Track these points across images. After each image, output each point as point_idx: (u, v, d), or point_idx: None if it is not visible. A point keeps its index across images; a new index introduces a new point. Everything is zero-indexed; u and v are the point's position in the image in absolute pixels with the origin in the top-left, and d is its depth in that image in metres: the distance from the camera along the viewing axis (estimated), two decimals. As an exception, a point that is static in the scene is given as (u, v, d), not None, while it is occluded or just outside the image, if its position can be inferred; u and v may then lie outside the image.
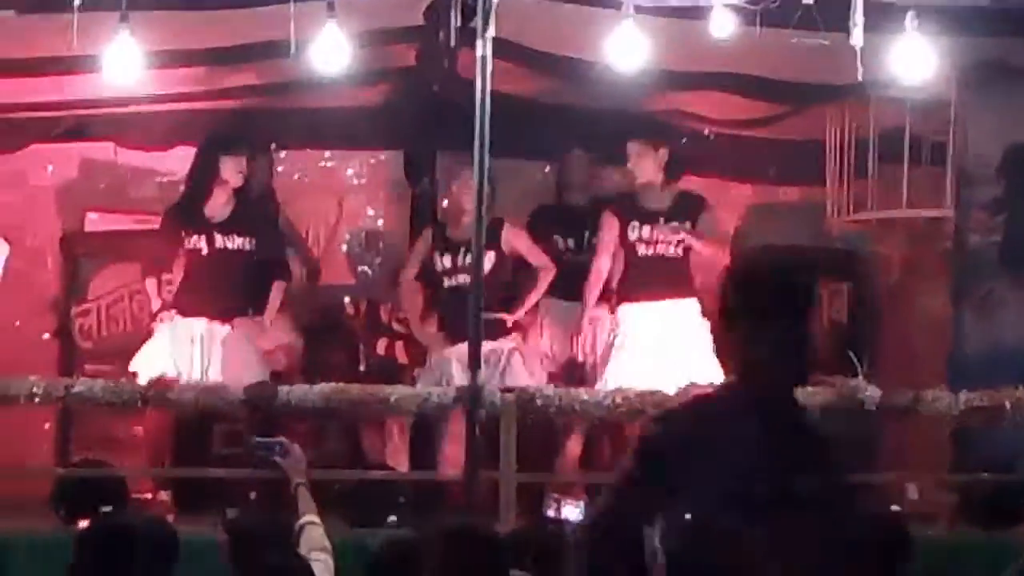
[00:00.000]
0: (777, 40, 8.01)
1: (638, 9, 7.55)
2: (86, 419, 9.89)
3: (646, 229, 9.03)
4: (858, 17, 7.30)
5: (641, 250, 9.01)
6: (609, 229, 9.14)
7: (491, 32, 7.33)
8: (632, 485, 3.83)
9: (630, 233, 9.05)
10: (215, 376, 8.72)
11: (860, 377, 8.46)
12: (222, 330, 8.94)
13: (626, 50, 7.74)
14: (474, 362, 7.62)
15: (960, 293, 9.51)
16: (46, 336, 10.46)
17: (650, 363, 8.76)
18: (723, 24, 7.58)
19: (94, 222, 10.63)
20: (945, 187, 9.48)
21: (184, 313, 8.93)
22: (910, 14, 7.56)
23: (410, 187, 10.46)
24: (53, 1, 7.24)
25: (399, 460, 8.84)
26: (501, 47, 7.72)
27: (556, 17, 8.08)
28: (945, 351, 9.50)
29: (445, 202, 9.90)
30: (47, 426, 10.19)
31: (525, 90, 9.39)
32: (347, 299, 10.67)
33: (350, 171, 11.34)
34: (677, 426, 3.90)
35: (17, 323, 10.22)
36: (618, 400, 8.25)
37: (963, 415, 8.31)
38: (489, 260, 8.60)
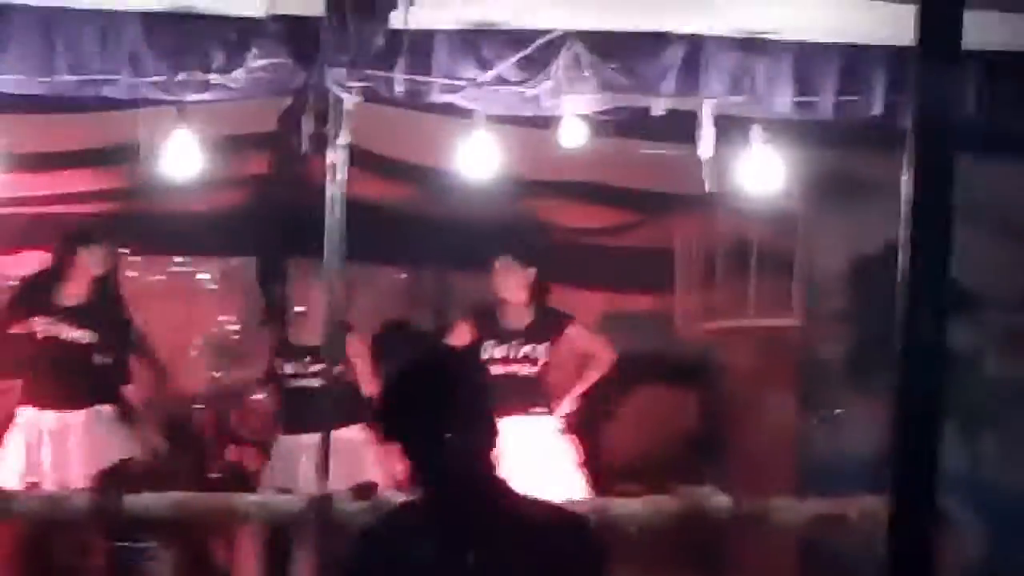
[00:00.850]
0: (629, 150, 8.12)
1: (490, 118, 7.60)
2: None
3: (500, 349, 9.06)
4: (706, 129, 7.41)
5: (494, 369, 9.01)
6: (459, 342, 9.16)
7: (344, 139, 7.35)
8: None
9: (482, 352, 9.07)
10: (75, 467, 8.62)
11: (709, 485, 8.50)
12: (74, 419, 8.86)
13: (478, 158, 7.79)
14: (322, 469, 7.57)
15: (808, 402, 9.62)
16: None
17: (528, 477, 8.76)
18: (574, 134, 7.65)
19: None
20: (792, 296, 9.62)
21: (34, 405, 8.84)
22: (756, 127, 7.69)
23: (263, 294, 10.41)
24: (-102, 104, 7.14)
25: (247, 572, 8.74)
26: (355, 154, 7.74)
27: (409, 125, 8.11)
28: (794, 459, 9.59)
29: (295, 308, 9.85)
30: None
31: (379, 197, 9.40)
32: (198, 405, 10.57)
33: (203, 276, 11.28)
34: (370, 542, 3.91)
35: None
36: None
37: (811, 523, 8.38)
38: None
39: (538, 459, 8.84)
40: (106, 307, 9.18)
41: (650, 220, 10.10)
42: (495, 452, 3.83)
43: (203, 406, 10.61)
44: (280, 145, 8.54)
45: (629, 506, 8.37)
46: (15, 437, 8.87)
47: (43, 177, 9.18)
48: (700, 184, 7.54)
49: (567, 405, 9.21)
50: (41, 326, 8.95)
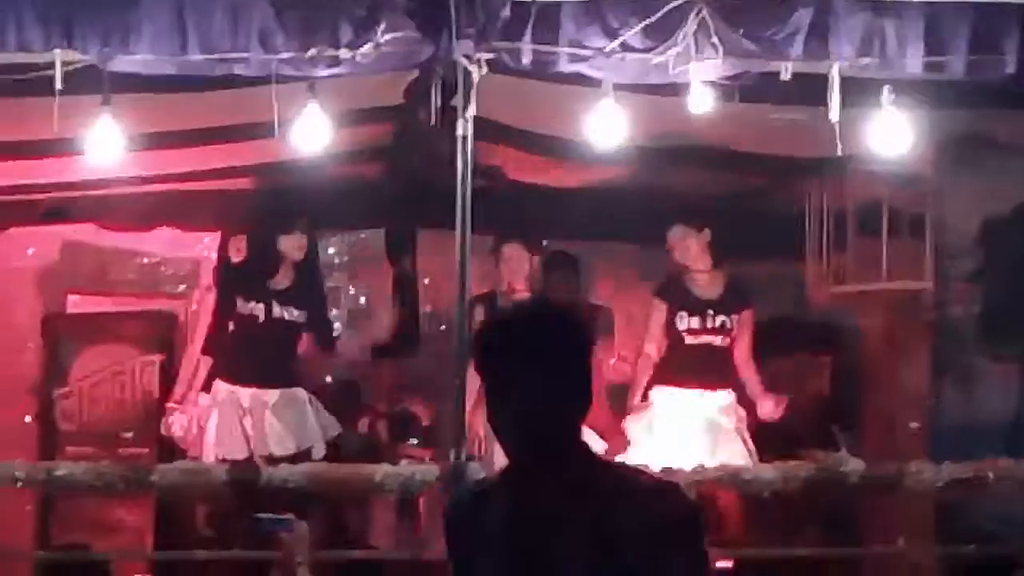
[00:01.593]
0: (756, 115, 8.07)
1: (618, 87, 7.59)
2: (68, 502, 9.86)
3: (695, 320, 9.03)
4: (835, 92, 7.35)
5: (688, 339, 9.01)
6: (657, 317, 9.15)
7: (472, 111, 7.38)
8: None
9: (678, 323, 9.06)
10: (269, 443, 8.75)
11: (842, 450, 8.46)
12: (272, 395, 9.01)
13: (606, 127, 7.78)
14: (458, 438, 7.64)
15: (941, 365, 9.54)
16: (28, 419, 10.43)
17: (674, 449, 8.77)
18: (702, 100, 7.62)
19: (76, 304, 10.63)
20: (924, 259, 9.53)
21: (232, 381, 8.97)
22: (887, 88, 7.61)
23: (391, 265, 10.49)
24: (35, 85, 7.25)
25: (384, 539, 8.82)
26: (481, 125, 7.77)
27: (536, 95, 8.12)
28: (926, 423, 9.52)
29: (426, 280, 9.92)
30: (28, 508, 10.15)
31: (506, 168, 9.43)
32: (328, 378, 10.68)
33: (331, 250, 11.38)
34: (462, 506, 3.67)
35: (-1, 406, 10.20)
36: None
37: (947, 487, 8.31)
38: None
39: (721, 435, 8.84)
40: (310, 290, 9.33)
41: (779, 185, 10.04)
42: (583, 418, 3.50)
43: (330, 380, 10.71)
44: (408, 118, 8.60)
45: (762, 471, 8.35)
46: (223, 417, 8.98)
47: (177, 154, 9.30)
48: (830, 147, 7.49)
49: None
50: (251, 308, 9.07)
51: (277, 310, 9.08)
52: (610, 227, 10.32)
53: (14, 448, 9.15)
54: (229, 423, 8.91)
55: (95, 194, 9.91)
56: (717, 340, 9.08)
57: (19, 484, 8.24)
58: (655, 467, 8.41)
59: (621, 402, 9.36)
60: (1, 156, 8.91)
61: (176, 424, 9.09)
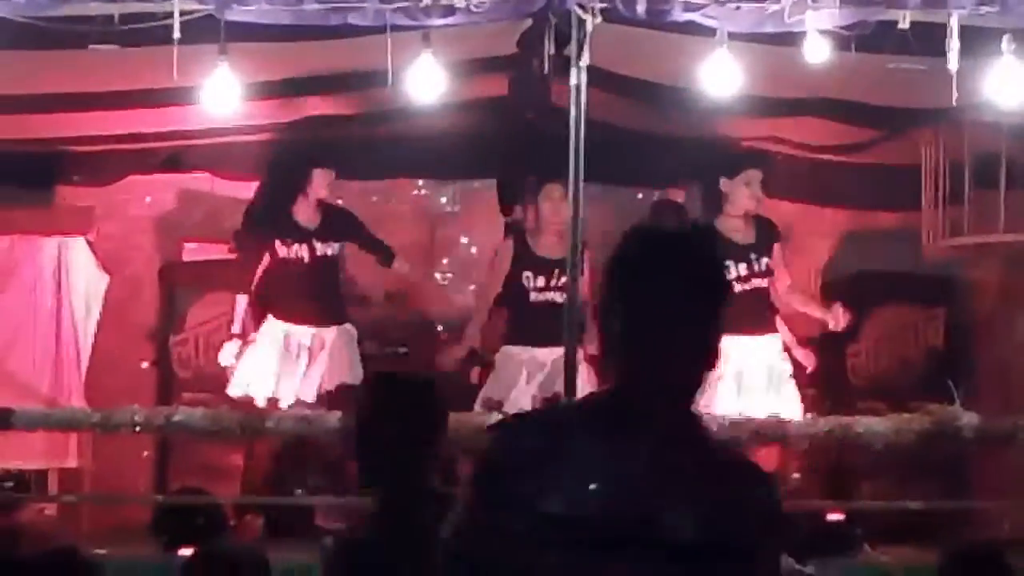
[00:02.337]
0: (872, 65, 7.98)
1: (731, 36, 7.55)
2: (184, 447, 9.99)
3: (742, 267, 8.97)
4: (954, 41, 7.26)
5: (738, 287, 8.94)
6: None
7: (585, 60, 7.37)
8: (472, 506, 3.04)
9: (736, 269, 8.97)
10: (323, 382, 8.86)
11: (957, 404, 8.39)
12: (328, 334, 9.10)
13: (720, 77, 7.74)
14: (570, 384, 7.67)
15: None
16: (145, 365, 10.57)
17: (732, 396, 8.74)
18: (817, 50, 7.56)
19: (191, 252, 10.74)
20: (1043, 211, 9.40)
21: (287, 320, 9.07)
22: (1006, 37, 7.51)
23: (504, 215, 10.50)
24: (154, 35, 7.34)
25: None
26: (595, 75, 7.76)
27: (649, 45, 8.08)
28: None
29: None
30: (145, 454, 10.30)
31: (618, 118, 9.40)
32: (440, 327, 10.72)
33: (443, 199, 11.41)
34: (525, 436, 3.04)
35: (117, 352, 10.33)
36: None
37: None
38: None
39: (773, 378, 8.80)
40: (344, 222, 9.43)
41: (895, 136, 9.92)
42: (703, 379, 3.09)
43: (441, 328, 10.75)
44: (521, 67, 8.59)
45: (875, 424, 8.31)
46: (267, 350, 9.10)
47: (291, 103, 9.37)
48: (947, 98, 7.41)
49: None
50: (294, 250, 9.16)
51: (320, 247, 9.19)
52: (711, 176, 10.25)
53: (132, 394, 9.28)
54: (267, 360, 9.03)
55: (211, 142, 10.01)
56: (763, 283, 9.00)
57: (138, 429, 8.39)
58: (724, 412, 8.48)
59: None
60: (120, 105, 9.02)
61: (227, 353, 9.28)
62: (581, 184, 7.70)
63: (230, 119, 8.76)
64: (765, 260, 9.00)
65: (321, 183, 9.24)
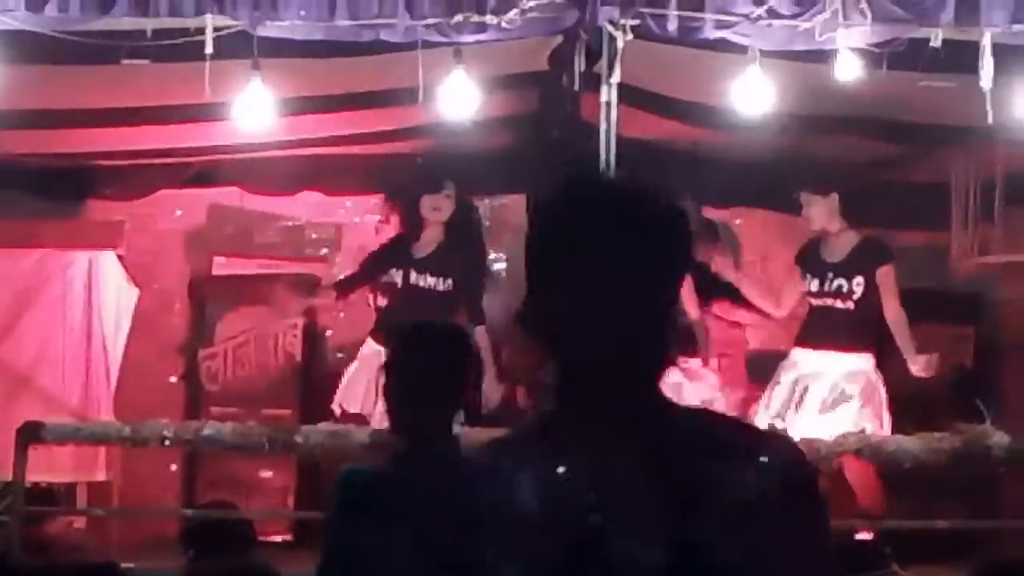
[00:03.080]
0: (903, 83, 7.97)
1: (763, 53, 7.54)
2: (212, 461, 10.01)
3: (815, 283, 8.95)
4: (987, 59, 7.25)
5: (812, 301, 8.93)
6: (791, 279, 9.13)
7: (616, 78, 7.37)
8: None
9: (805, 285, 8.95)
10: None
11: (987, 423, 8.35)
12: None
13: (751, 94, 7.74)
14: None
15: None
16: (174, 379, 10.60)
17: (808, 412, 8.71)
18: (849, 67, 7.54)
19: (221, 266, 10.77)
20: (1074, 231, 9.36)
21: (379, 341, 9.04)
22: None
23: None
24: (186, 50, 7.36)
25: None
26: (625, 92, 7.76)
27: (680, 62, 8.09)
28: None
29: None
30: (173, 468, 10.32)
31: (649, 134, 9.40)
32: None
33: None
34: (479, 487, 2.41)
35: (146, 366, 10.35)
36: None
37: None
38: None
39: (839, 398, 8.74)
40: (456, 258, 9.20)
41: (927, 153, 9.90)
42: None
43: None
44: (552, 84, 8.60)
45: (905, 443, 8.27)
46: (359, 371, 9.08)
47: (322, 119, 9.38)
48: (980, 116, 7.38)
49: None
50: (392, 275, 9.09)
51: (414, 277, 9.08)
52: (750, 194, 10.26)
53: (161, 408, 9.31)
54: (360, 378, 8.99)
55: (241, 158, 10.03)
56: (837, 303, 8.92)
57: (167, 443, 8.39)
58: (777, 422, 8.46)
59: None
60: (151, 120, 9.05)
61: None
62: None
63: (261, 134, 8.78)
64: (841, 281, 8.89)
65: (427, 208, 9.06)
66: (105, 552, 8.65)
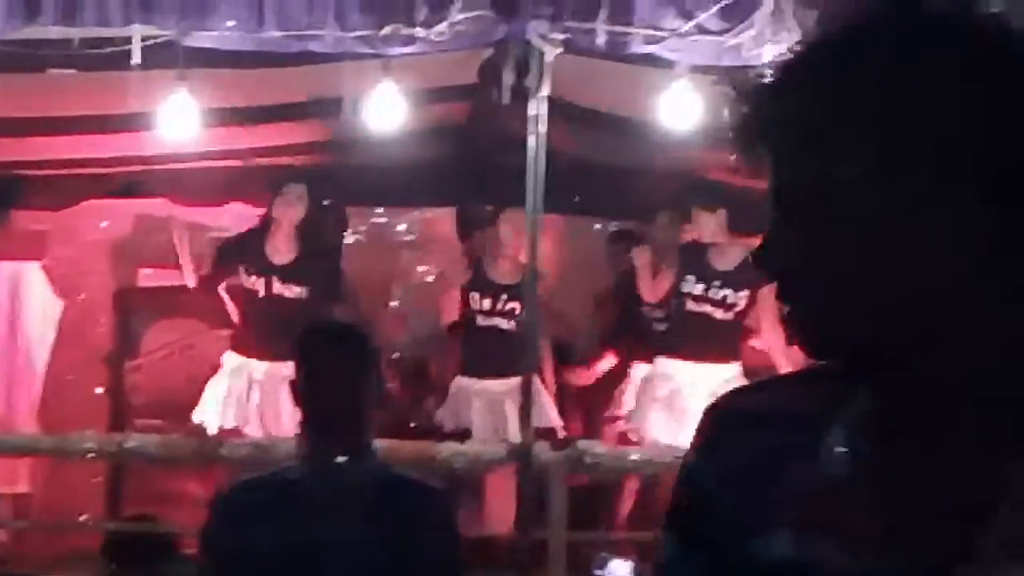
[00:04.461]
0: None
1: (692, 68, 7.58)
2: (136, 474, 9.93)
3: (699, 287, 8.95)
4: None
5: (690, 305, 8.94)
6: (662, 275, 9.13)
7: (545, 91, 7.38)
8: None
9: (683, 285, 9.03)
10: (283, 417, 8.77)
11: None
12: (284, 369, 8.99)
13: (680, 109, 7.76)
14: (526, 414, 7.68)
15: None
16: (99, 391, 10.51)
17: (665, 419, 8.73)
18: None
19: (147, 277, 10.70)
20: None
21: (243, 353, 8.97)
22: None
23: (461, 243, 10.51)
24: (113, 60, 7.31)
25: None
26: (554, 106, 7.77)
27: (609, 76, 8.11)
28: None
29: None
30: (97, 480, 10.23)
31: (577, 148, 9.42)
32: (396, 354, 10.70)
33: (402, 227, 11.41)
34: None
35: (70, 378, 10.27)
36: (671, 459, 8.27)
37: None
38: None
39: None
40: (316, 261, 9.21)
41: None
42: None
43: (399, 355, 10.73)
44: (481, 96, 8.60)
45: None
46: (221, 382, 9.02)
47: (249, 130, 9.34)
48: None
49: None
50: (252, 282, 9.06)
51: (277, 286, 8.99)
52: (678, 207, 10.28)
53: (86, 419, 9.23)
54: (228, 391, 8.90)
55: (168, 168, 9.97)
56: (717, 312, 8.93)
57: (91, 456, 8.33)
58: (651, 435, 8.50)
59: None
60: (77, 130, 8.97)
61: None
62: (538, 214, 7.70)
63: (189, 145, 8.72)
64: (727, 292, 8.91)
65: (280, 210, 9.00)
66: (26, 565, 8.57)
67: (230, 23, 7.01)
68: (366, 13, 7.05)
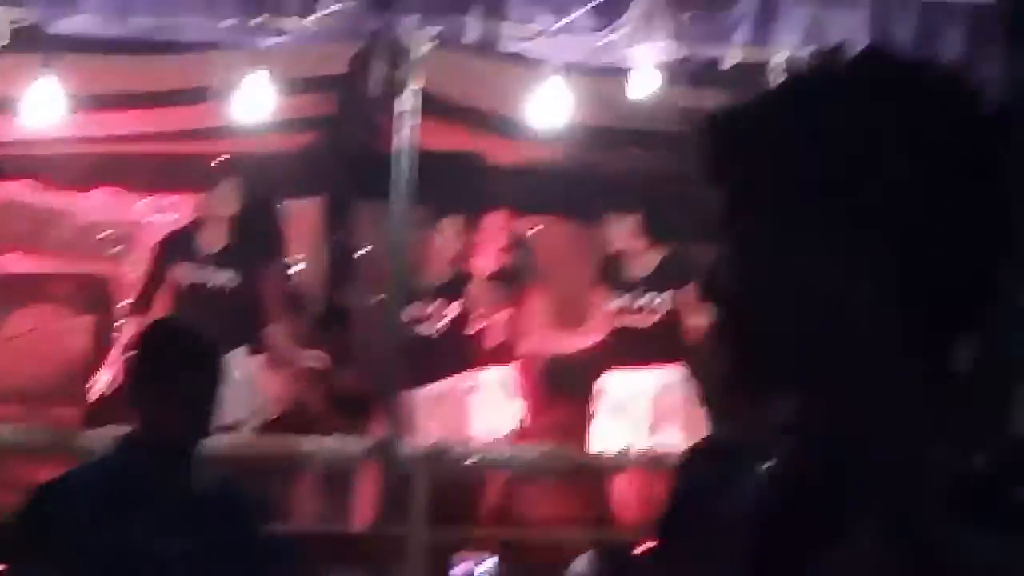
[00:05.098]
0: (700, 99, 8.05)
1: (563, 66, 7.60)
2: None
3: (627, 298, 8.99)
4: (777, 78, 7.38)
5: (620, 320, 8.92)
6: (593, 299, 9.08)
7: (414, 85, 7.37)
8: None
9: (612, 303, 8.93)
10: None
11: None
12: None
13: (551, 107, 7.79)
14: (390, 414, 7.65)
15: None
16: (-44, 377, 10.32)
17: (626, 429, 8.72)
18: (646, 83, 7.62)
19: (8, 262, 10.51)
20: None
21: None
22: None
23: (328, 234, 10.45)
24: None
25: (308, 511, 8.79)
26: (425, 100, 7.75)
27: (482, 72, 8.11)
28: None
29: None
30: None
31: (447, 144, 9.40)
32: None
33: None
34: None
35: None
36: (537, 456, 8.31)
37: None
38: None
39: (661, 411, 8.73)
40: (249, 247, 9.09)
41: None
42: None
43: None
44: (351, 87, 8.56)
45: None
46: None
47: (118, 116, 9.22)
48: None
49: None
50: (184, 274, 8.91)
51: (200, 275, 8.93)
52: (551, 205, 10.28)
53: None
54: None
55: (34, 153, 9.82)
56: (650, 318, 8.94)
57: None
58: (604, 447, 8.52)
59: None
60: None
61: (101, 382, 9.00)
62: (406, 206, 7.69)
63: (55, 129, 8.59)
64: (653, 295, 8.92)
65: (220, 202, 8.92)
66: None
67: (98, 9, 6.91)
68: (236, 3, 6.99)
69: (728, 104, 1.67)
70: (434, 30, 7.22)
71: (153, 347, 4.13)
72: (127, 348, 8.71)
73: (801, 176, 1.59)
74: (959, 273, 1.58)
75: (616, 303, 8.89)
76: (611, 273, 8.98)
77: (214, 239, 8.92)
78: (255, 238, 9.20)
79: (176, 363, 4.01)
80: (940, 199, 1.56)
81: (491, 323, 8.99)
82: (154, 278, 9.05)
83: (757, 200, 1.63)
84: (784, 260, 1.60)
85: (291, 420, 9.31)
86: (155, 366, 4.06)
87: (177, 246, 9.01)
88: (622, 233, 8.88)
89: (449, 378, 8.75)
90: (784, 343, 1.60)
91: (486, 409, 8.86)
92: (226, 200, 8.88)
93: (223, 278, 8.88)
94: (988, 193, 1.58)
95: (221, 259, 8.90)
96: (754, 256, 1.63)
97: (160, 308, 8.94)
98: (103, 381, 8.92)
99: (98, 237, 10.57)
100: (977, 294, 1.60)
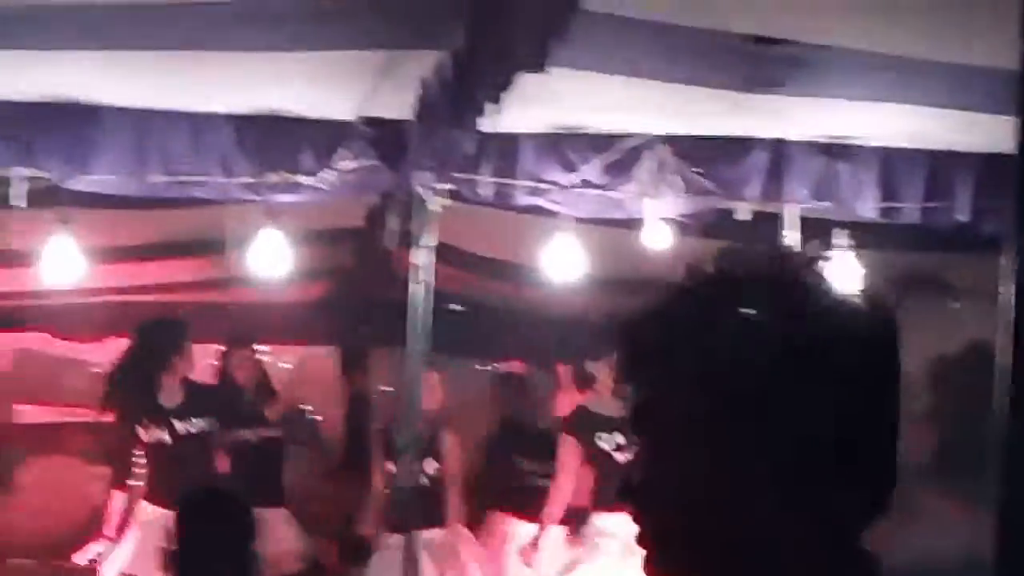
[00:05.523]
0: (712, 251, 8.07)
1: (576, 220, 7.65)
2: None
3: (619, 436, 8.96)
4: (789, 232, 7.41)
5: (618, 457, 8.95)
6: (569, 450, 9.09)
7: (429, 240, 7.39)
8: None
9: (599, 443, 8.97)
10: None
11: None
12: None
13: (564, 258, 7.83)
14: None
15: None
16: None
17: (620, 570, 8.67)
18: (658, 236, 7.67)
19: (24, 413, 10.55)
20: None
21: (160, 504, 8.68)
22: (837, 230, 7.68)
23: (347, 383, 10.48)
24: (-4, 198, 7.25)
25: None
26: (440, 250, 7.78)
27: (495, 223, 8.16)
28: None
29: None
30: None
31: (465, 292, 9.45)
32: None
33: (286, 364, 11.34)
34: None
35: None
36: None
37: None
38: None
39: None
40: (211, 399, 9.06)
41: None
42: None
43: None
44: (367, 240, 8.61)
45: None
46: (134, 534, 8.71)
47: (132, 267, 9.27)
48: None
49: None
50: (154, 434, 8.80)
51: (180, 427, 8.81)
52: (559, 350, 10.30)
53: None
54: (148, 546, 8.66)
55: (49, 303, 9.86)
56: (621, 457, 8.93)
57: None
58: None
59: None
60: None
61: (91, 551, 8.92)
62: (422, 355, 7.69)
63: (71, 281, 8.63)
64: (623, 437, 8.88)
65: (181, 362, 8.86)
66: None
67: (113, 168, 6.95)
68: (251, 160, 7.03)
69: (634, 312, 1.76)
70: (447, 186, 7.26)
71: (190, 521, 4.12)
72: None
73: (693, 387, 1.66)
74: (853, 462, 1.64)
75: (607, 444, 8.89)
76: (592, 417, 8.96)
77: (175, 393, 8.86)
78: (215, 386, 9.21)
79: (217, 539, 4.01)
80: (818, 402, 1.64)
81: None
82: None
83: (658, 404, 1.70)
84: (686, 462, 1.66)
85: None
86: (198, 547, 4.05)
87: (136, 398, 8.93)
88: (601, 378, 8.93)
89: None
90: (693, 539, 1.66)
91: None
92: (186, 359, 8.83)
93: (198, 427, 8.82)
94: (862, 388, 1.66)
95: (186, 410, 8.83)
96: (658, 456, 1.69)
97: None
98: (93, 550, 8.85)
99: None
100: (876, 480, 1.67)
